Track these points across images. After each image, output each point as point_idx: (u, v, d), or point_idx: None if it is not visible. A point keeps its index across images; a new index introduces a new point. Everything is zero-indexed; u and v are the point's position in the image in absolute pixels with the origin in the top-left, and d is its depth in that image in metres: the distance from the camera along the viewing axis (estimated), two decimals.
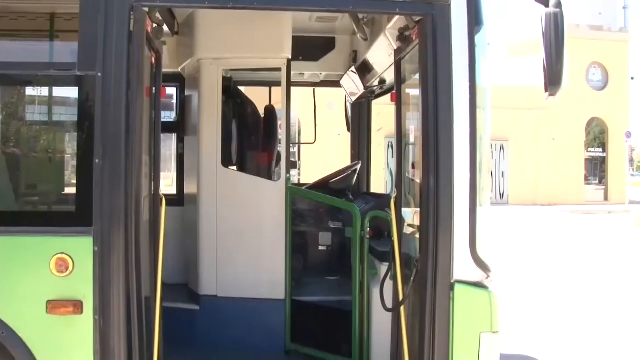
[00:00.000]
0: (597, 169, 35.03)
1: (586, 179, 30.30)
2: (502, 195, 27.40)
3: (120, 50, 2.86)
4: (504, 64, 27.26)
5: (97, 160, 2.84)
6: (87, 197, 2.84)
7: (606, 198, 29.21)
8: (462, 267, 3.02)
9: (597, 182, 34.13)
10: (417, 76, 3.20)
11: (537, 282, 9.96)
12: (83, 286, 2.82)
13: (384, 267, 3.88)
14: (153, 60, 3.44)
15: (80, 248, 2.82)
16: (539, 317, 7.64)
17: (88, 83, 2.87)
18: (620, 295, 9.02)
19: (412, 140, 3.72)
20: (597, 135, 32.71)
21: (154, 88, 3.47)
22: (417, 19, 3.15)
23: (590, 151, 31.60)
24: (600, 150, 32.55)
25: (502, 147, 27.13)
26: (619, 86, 28.50)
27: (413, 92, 3.57)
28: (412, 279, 3.20)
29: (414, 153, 3.66)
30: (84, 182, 2.88)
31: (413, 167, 3.65)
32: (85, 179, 2.85)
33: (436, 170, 3.00)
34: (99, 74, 2.85)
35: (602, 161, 32.92)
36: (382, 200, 4.76)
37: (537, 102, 23.25)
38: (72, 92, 3.02)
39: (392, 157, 3.73)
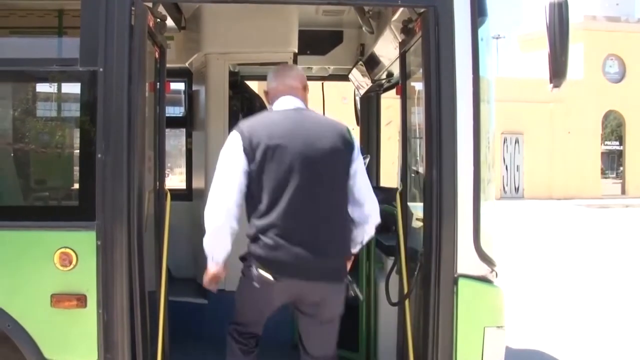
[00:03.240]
0: (614, 163, 34.63)
1: (603, 172, 29.95)
2: (517, 189, 27.16)
3: (122, 45, 2.86)
4: (519, 57, 26.98)
5: (99, 155, 2.85)
6: (90, 192, 2.85)
7: (623, 192, 28.82)
8: (466, 261, 2.99)
9: (614, 175, 33.74)
10: (421, 69, 3.17)
11: (552, 277, 9.87)
12: (86, 280, 2.83)
13: (390, 261, 3.86)
14: (157, 55, 3.44)
15: (83, 242, 2.83)
16: (553, 312, 7.57)
17: (90, 78, 2.88)
18: (636, 291, 8.90)
19: (417, 133, 3.69)
20: (614, 128, 32.30)
21: (158, 83, 3.48)
22: (420, 10, 3.12)
23: (607, 144, 31.22)
24: (617, 143, 32.14)
25: (517, 141, 26.86)
26: (637, 78, 28.02)
27: (418, 84, 3.53)
28: (415, 273, 3.18)
29: (419, 146, 3.63)
30: (86, 177, 2.89)
31: (418, 160, 3.63)
32: (88, 173, 2.87)
33: (439, 163, 2.96)
34: (101, 69, 2.85)
35: (620, 154, 32.49)
36: (391, 194, 4.73)
37: (553, 95, 23.00)
38: (74, 88, 3.03)
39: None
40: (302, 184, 2.80)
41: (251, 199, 2.85)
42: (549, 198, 26.08)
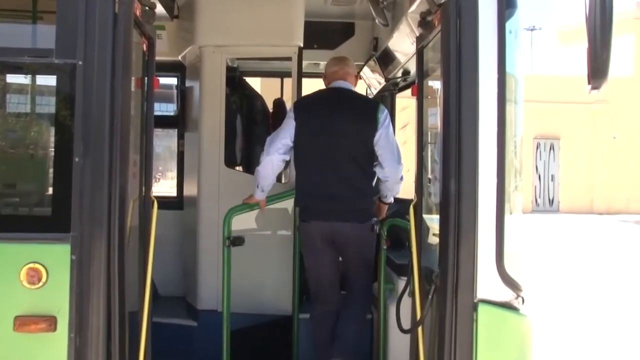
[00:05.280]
0: None
1: None
2: (551, 202, 26.98)
3: (104, 35, 2.85)
4: (557, 51, 26.85)
5: (76, 159, 2.83)
6: (65, 200, 2.83)
7: None
8: (487, 284, 2.94)
9: None
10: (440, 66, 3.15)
11: (591, 303, 9.77)
12: (57, 300, 2.80)
13: (402, 282, 3.83)
14: (144, 48, 3.44)
15: (55, 257, 2.81)
16: (587, 341, 7.50)
17: (67, 72, 2.86)
18: None
19: (435, 138, 3.67)
20: None
21: (145, 78, 3.48)
22: (440, 1, 3.10)
23: None
24: None
25: (552, 147, 26.71)
26: None
27: (437, 84, 3.51)
28: (429, 296, 3.14)
29: (437, 153, 3.60)
30: (61, 183, 2.87)
31: (435, 168, 3.60)
32: (63, 179, 2.84)
33: (458, 172, 2.93)
34: (80, 62, 2.83)
35: None
36: (405, 206, 4.72)
37: (595, 95, 22.76)
38: (49, 82, 3.03)
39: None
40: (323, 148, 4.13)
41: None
42: (590, 212, 25.89)
